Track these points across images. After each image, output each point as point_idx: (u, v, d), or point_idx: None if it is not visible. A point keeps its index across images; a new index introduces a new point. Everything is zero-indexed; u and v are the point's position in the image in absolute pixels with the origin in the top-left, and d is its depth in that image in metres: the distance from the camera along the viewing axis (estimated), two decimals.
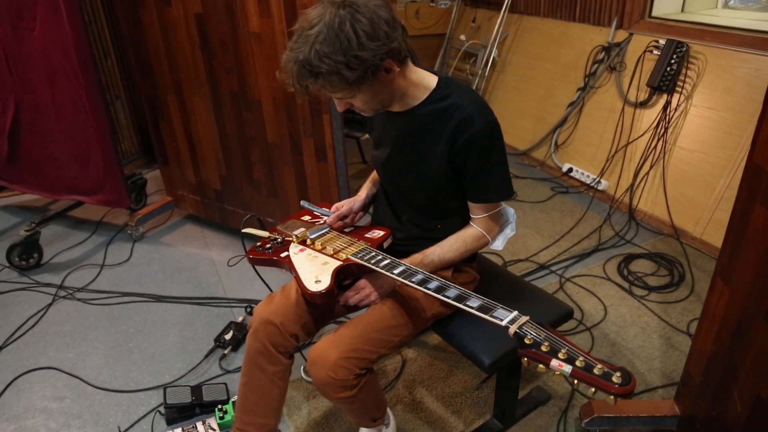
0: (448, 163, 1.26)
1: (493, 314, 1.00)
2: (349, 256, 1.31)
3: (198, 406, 1.76)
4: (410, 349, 2.01)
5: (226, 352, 2.00)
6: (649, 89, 2.83)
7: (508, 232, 1.42)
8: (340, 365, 1.21)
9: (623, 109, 2.97)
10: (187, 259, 2.63)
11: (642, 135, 2.85)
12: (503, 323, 0.97)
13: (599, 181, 3.04)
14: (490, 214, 1.34)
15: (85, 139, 2.44)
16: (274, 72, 2.09)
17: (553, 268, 2.45)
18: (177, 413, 1.75)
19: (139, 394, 1.85)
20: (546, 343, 0.89)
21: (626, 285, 2.32)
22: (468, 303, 1.05)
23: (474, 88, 3.96)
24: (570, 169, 3.23)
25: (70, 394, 1.86)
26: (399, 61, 1.14)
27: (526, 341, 0.91)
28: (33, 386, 1.90)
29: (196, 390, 1.79)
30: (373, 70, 1.09)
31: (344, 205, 1.54)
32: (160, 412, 1.77)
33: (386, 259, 1.25)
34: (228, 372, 1.92)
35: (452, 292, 1.09)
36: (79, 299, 2.34)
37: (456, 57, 4.23)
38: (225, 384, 1.83)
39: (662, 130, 2.75)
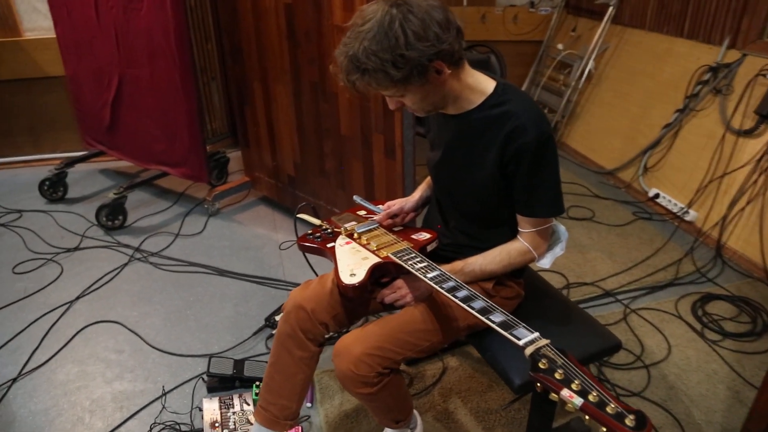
0: (499, 170, 1.22)
1: (513, 332, 0.95)
2: (389, 254, 1.30)
3: (238, 380, 1.83)
4: (453, 357, 1.97)
5: (273, 332, 2.05)
6: (756, 117, 2.57)
7: (557, 251, 1.34)
8: (362, 361, 1.21)
9: (724, 136, 2.72)
10: (255, 239, 2.74)
11: (742, 166, 2.60)
12: (520, 343, 0.92)
13: (687, 211, 2.81)
14: (538, 229, 1.28)
15: (174, 116, 2.61)
16: None
17: (620, 297, 2.30)
18: (218, 383, 1.83)
19: (188, 359, 1.95)
20: (560, 371, 0.84)
21: (698, 326, 2.13)
22: (491, 317, 1.01)
23: (566, 100, 3.80)
24: (656, 195, 3.02)
25: (128, 348, 2.01)
26: (451, 63, 1.12)
27: (540, 365, 0.86)
28: (99, 336, 2.07)
29: (239, 364, 1.86)
30: (421, 70, 1.08)
31: (396, 204, 1.54)
32: (203, 379, 1.86)
33: (423, 262, 1.24)
34: None
35: (478, 303, 1.05)
36: (151, 263, 2.51)
37: (551, 66, 4.08)
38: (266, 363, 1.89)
39: (766, 164, 2.49)
